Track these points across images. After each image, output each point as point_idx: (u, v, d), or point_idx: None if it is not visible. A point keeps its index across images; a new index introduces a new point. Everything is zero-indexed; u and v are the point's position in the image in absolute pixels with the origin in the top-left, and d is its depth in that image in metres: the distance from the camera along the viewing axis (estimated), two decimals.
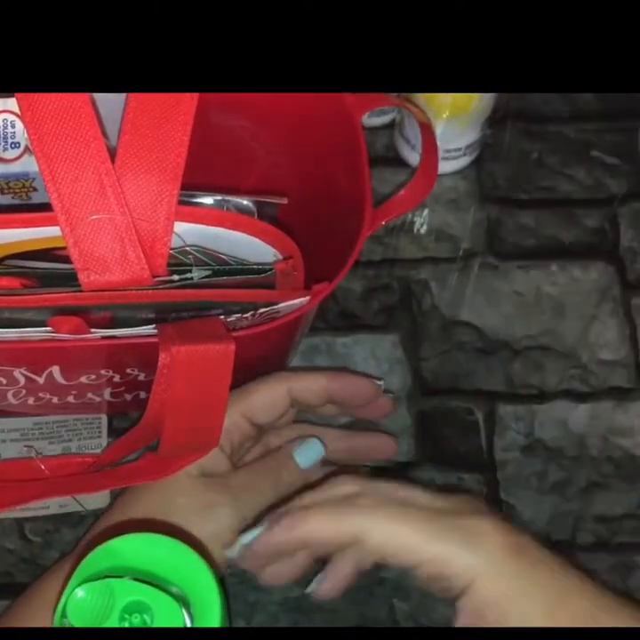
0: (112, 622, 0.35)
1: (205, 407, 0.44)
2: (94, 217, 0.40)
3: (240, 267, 0.44)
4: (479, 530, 0.39)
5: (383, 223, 0.48)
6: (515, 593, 0.38)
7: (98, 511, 0.50)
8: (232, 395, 0.46)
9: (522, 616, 0.38)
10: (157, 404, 0.42)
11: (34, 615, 0.44)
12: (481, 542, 0.39)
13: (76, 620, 0.35)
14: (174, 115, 0.42)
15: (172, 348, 0.40)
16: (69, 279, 0.41)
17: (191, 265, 0.43)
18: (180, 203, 0.42)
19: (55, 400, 0.48)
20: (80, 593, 0.35)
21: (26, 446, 0.52)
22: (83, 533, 0.49)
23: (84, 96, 0.41)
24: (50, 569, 0.47)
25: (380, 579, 0.49)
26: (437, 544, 0.39)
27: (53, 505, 0.51)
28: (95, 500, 0.51)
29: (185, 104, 0.43)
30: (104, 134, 0.42)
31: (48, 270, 0.43)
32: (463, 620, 0.39)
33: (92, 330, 0.41)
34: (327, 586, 0.43)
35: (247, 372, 0.49)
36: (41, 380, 0.45)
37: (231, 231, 0.42)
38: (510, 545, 0.39)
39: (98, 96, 0.42)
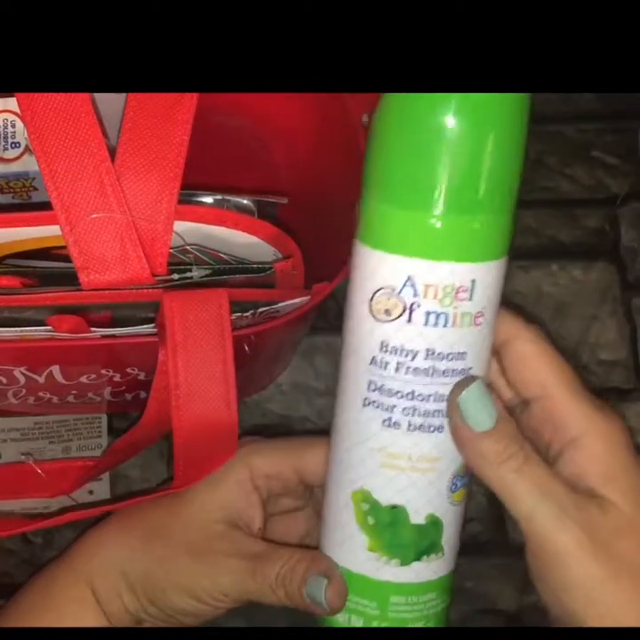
0: None
1: (207, 378, 0.42)
2: (94, 216, 0.40)
3: (240, 266, 0.44)
4: None
5: None
6: None
7: None
8: (284, 443, 0.44)
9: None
10: (157, 402, 0.42)
11: (32, 614, 0.44)
12: None
13: None
14: (174, 114, 0.42)
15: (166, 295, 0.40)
16: (69, 278, 0.41)
17: (191, 264, 0.43)
18: (181, 202, 0.42)
19: (55, 400, 0.48)
20: None
21: (23, 454, 0.52)
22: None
23: (84, 96, 0.41)
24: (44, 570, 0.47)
25: None
26: None
27: (54, 505, 0.51)
28: (95, 498, 0.51)
29: (185, 104, 0.43)
30: (104, 134, 0.42)
31: (48, 269, 0.43)
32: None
33: (92, 329, 0.41)
34: None
35: (246, 372, 0.49)
36: (41, 380, 0.45)
37: (231, 230, 0.42)
38: None
39: (98, 96, 0.42)
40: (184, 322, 0.41)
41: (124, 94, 0.42)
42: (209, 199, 0.45)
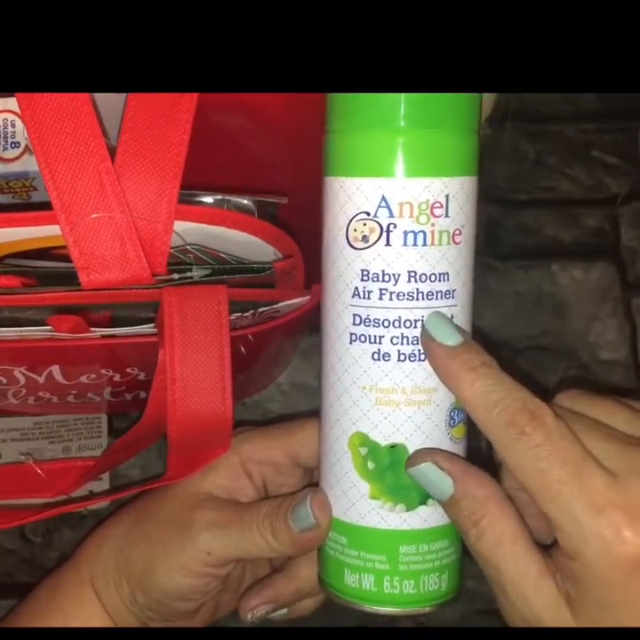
0: None
1: (203, 372, 0.42)
2: (94, 216, 0.40)
3: (240, 265, 0.44)
4: None
5: None
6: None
7: (98, 511, 0.50)
8: (275, 429, 0.45)
9: None
10: (157, 401, 0.42)
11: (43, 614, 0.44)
12: None
13: None
14: (174, 114, 0.42)
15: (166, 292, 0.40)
16: (69, 278, 0.41)
17: (191, 264, 0.43)
18: (180, 202, 0.42)
19: (55, 400, 0.48)
20: None
21: (23, 454, 0.52)
22: (83, 534, 0.49)
23: (84, 96, 0.41)
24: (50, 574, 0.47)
25: None
26: None
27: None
28: None
29: (185, 104, 0.43)
30: (104, 134, 0.42)
31: (48, 269, 0.43)
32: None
33: (92, 329, 0.41)
34: None
35: (247, 372, 0.49)
36: (41, 380, 0.45)
37: (231, 230, 0.42)
38: None
39: (98, 96, 0.42)
40: (182, 316, 0.41)
41: (124, 94, 0.42)
42: (209, 199, 0.45)
